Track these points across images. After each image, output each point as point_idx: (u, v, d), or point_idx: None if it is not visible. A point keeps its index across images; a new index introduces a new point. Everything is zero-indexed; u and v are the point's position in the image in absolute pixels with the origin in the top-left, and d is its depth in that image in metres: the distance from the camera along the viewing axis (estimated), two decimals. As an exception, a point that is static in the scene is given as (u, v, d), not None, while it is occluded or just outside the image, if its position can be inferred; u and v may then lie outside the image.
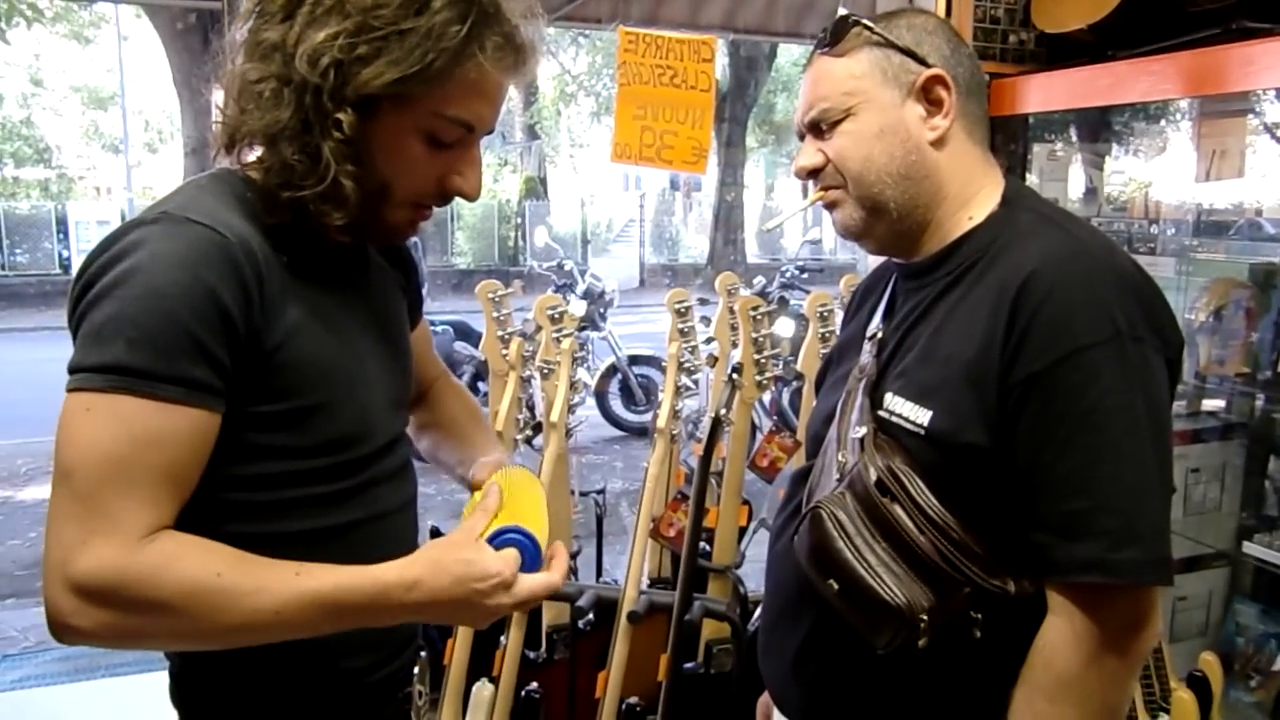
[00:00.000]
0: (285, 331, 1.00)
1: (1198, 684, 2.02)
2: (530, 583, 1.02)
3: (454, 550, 1.00)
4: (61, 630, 0.92)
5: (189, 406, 0.93)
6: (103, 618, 0.91)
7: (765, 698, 1.41)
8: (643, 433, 6.93)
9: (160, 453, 0.93)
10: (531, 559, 1.04)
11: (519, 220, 18.46)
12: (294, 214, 1.02)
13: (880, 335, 1.23)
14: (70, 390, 0.93)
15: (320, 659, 1.10)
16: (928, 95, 1.16)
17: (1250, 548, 2.24)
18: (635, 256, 19.36)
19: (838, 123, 1.17)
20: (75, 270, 0.99)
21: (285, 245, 1.03)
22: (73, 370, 0.93)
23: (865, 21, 1.18)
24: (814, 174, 1.21)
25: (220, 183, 1.05)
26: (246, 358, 0.97)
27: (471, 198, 1.09)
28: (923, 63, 1.16)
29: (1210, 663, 2.05)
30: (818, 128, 1.20)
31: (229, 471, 1.00)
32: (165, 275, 0.92)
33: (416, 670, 1.25)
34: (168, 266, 0.93)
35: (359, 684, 1.15)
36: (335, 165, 0.98)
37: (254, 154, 1.03)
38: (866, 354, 1.23)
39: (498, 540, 1.03)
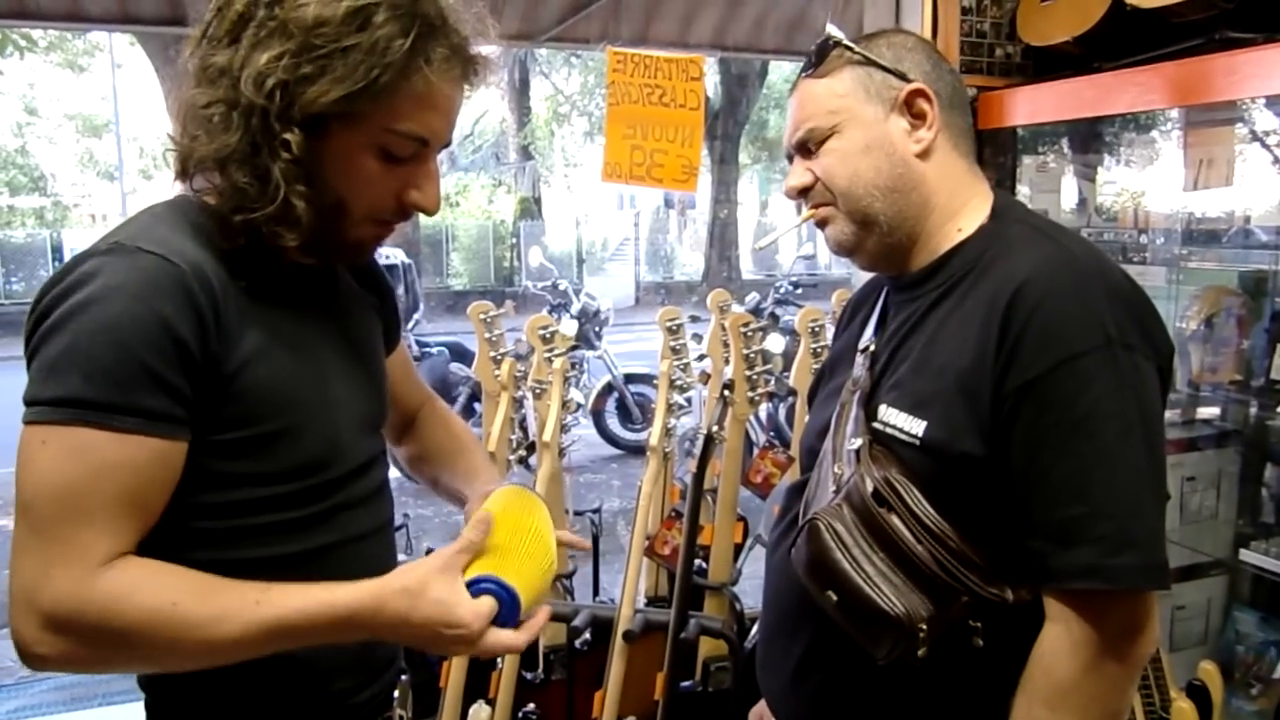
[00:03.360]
0: (243, 358, 0.99)
1: (1197, 693, 2.02)
2: (495, 638, 1.01)
3: (432, 587, 0.99)
4: (28, 658, 0.93)
5: (147, 436, 0.93)
6: (66, 646, 0.92)
7: (758, 708, 1.41)
8: (640, 451, 6.88)
9: (118, 483, 0.93)
10: (508, 613, 1.02)
11: (514, 240, 18.51)
12: (250, 238, 1.01)
13: (873, 348, 1.24)
14: (27, 423, 0.93)
15: (298, 683, 1.09)
16: (910, 109, 1.17)
17: (1247, 555, 2.23)
18: (630, 275, 19.42)
19: (824, 141, 1.19)
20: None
21: (243, 270, 1.02)
22: (28, 403, 0.93)
23: (846, 42, 1.20)
24: (804, 193, 1.23)
25: (175, 210, 1.05)
26: (206, 385, 0.97)
27: (430, 211, 1.09)
28: (904, 78, 1.17)
29: (1210, 671, 2.04)
30: (805, 147, 1.21)
31: (193, 500, 1.00)
32: (118, 306, 0.92)
33: (397, 694, 1.24)
34: (120, 297, 0.93)
35: (338, 708, 1.14)
36: (285, 186, 0.98)
37: (208, 179, 1.03)
38: (860, 366, 1.23)
39: (477, 588, 1.01)
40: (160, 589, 0.94)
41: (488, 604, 1.00)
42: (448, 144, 1.08)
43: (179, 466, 0.97)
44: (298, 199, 0.99)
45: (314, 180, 1.00)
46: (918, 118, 1.17)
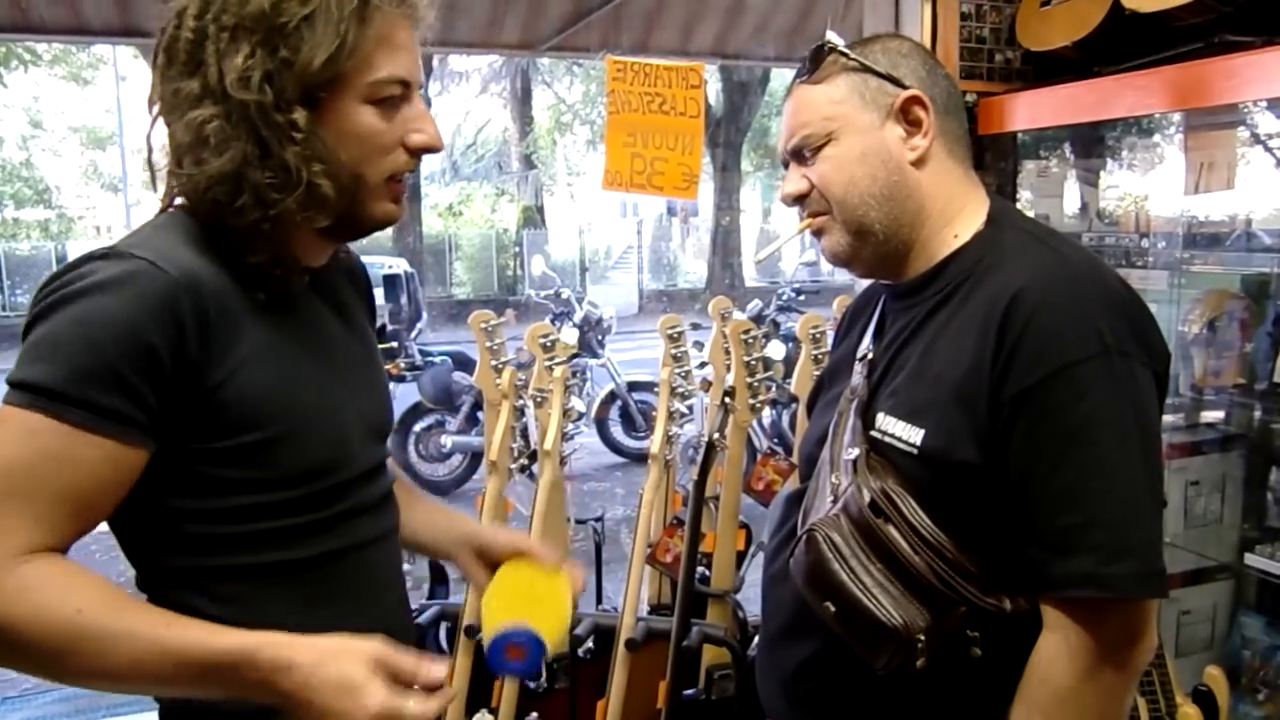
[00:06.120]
0: (233, 367, 0.99)
1: (1204, 699, 2.01)
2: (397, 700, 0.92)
3: (344, 658, 0.92)
4: None
5: (95, 434, 0.93)
6: None
7: None
8: (644, 459, 6.84)
9: (58, 475, 0.93)
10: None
11: (517, 249, 18.54)
12: (267, 245, 1.02)
13: (871, 356, 1.23)
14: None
15: None
16: (906, 116, 1.17)
17: (1253, 559, 2.21)
18: (634, 283, 19.40)
19: (820, 148, 1.18)
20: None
21: (244, 275, 1.03)
22: (7, 383, 0.95)
23: (842, 48, 1.19)
24: (800, 199, 1.22)
25: (177, 219, 1.05)
26: (180, 395, 0.96)
27: (437, 147, 1.10)
28: (900, 84, 1.17)
29: (1216, 677, 2.03)
30: (801, 154, 1.21)
31: (191, 505, 1.00)
32: (93, 304, 0.94)
33: None
34: (99, 297, 0.94)
35: None
36: (305, 168, 0.99)
37: (220, 195, 1.02)
38: (858, 375, 1.23)
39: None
40: (70, 593, 0.92)
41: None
42: (422, 85, 1.10)
43: (130, 471, 0.96)
44: (319, 178, 1.00)
45: (326, 156, 1.01)
46: (913, 125, 1.17)
